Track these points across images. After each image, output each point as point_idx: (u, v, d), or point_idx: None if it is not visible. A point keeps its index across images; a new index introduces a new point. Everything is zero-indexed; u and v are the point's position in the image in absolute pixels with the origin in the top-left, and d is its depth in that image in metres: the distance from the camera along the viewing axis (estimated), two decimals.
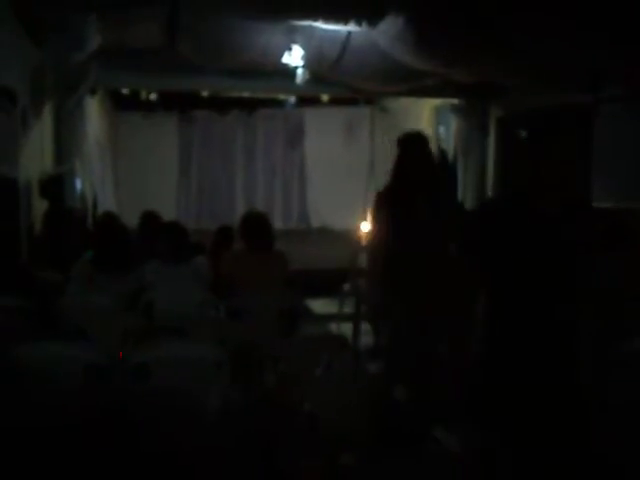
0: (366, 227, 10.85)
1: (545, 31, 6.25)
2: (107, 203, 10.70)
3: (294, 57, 7.74)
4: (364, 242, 10.49)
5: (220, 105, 13.19)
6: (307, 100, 12.17)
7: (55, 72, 7.66)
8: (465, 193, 10.71)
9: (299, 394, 4.21)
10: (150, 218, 6.81)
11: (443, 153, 11.52)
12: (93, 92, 10.07)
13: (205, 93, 11.28)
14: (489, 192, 10.75)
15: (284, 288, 5.45)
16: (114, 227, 5.54)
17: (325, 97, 11.88)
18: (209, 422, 3.65)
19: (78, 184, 8.61)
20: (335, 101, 12.25)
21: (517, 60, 6.81)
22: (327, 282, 8.39)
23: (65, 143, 8.55)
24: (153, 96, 11.53)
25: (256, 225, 5.62)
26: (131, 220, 7.02)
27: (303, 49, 7.69)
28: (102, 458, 3.35)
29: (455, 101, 10.53)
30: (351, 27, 6.64)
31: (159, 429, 3.50)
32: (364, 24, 6.45)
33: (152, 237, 5.98)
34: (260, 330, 4.82)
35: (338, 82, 9.45)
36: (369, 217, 9.19)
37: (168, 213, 11.67)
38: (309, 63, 7.95)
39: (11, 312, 4.40)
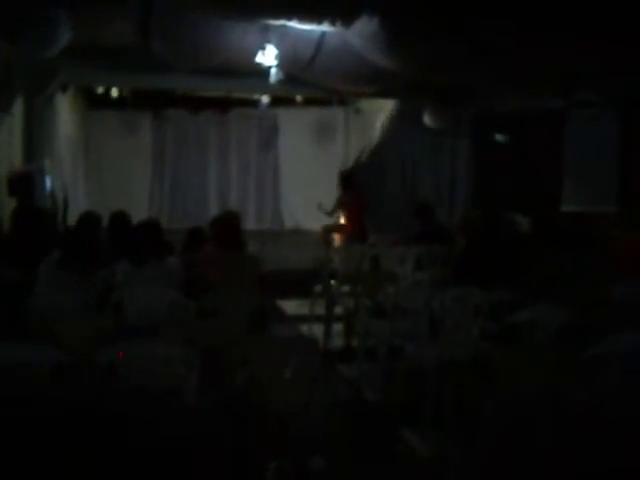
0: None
1: (520, 36, 6.30)
2: (79, 202, 10.59)
3: (268, 57, 7.72)
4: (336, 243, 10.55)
5: (193, 104, 13.12)
6: (281, 100, 12.14)
7: (25, 69, 7.57)
8: (438, 194, 10.75)
9: (269, 395, 4.20)
10: (119, 218, 6.75)
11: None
12: (64, 89, 9.97)
13: (178, 92, 11.21)
14: (462, 193, 10.80)
15: (255, 289, 5.42)
16: (84, 227, 5.49)
17: (299, 97, 11.86)
18: (178, 422, 3.62)
19: (48, 182, 8.51)
20: (309, 102, 12.23)
21: (490, 64, 6.84)
22: (299, 283, 8.37)
23: (35, 141, 8.46)
24: (126, 94, 11.42)
25: (226, 227, 5.59)
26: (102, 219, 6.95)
27: (277, 49, 7.68)
28: (70, 459, 3.31)
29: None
30: (325, 27, 6.64)
31: (128, 429, 3.46)
32: (338, 24, 6.45)
33: (121, 237, 5.92)
34: (230, 331, 4.79)
35: (312, 82, 9.44)
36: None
37: (140, 212, 11.61)
38: (283, 63, 7.93)
39: None
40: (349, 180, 11.04)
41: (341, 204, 10.98)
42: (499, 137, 10.44)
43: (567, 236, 6.39)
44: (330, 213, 11.21)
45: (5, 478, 3.22)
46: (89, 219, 5.99)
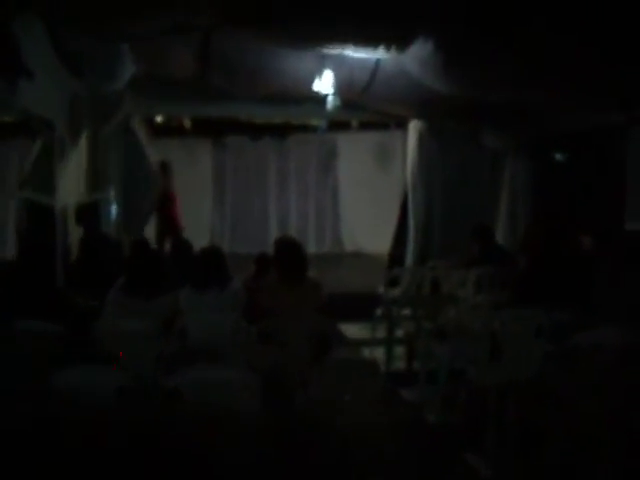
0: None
1: (577, 53, 6.26)
2: (144, 229, 10.82)
3: (324, 84, 7.82)
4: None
5: (252, 131, 13.32)
6: (339, 124, 12.22)
7: (91, 102, 7.82)
8: (497, 215, 10.66)
9: (330, 419, 4.22)
10: (181, 245, 6.91)
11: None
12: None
13: (238, 119, 11.40)
14: (522, 213, 10.68)
15: (317, 315, 5.45)
16: (146, 253, 5.62)
17: (356, 122, 11.94)
18: (240, 444, 3.68)
19: (113, 211, 8.75)
20: (367, 125, 12.30)
21: (549, 82, 6.79)
22: (360, 306, 8.39)
23: (101, 170, 8.69)
24: (187, 123, 11.68)
25: (289, 253, 5.65)
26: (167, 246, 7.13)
27: (333, 76, 7.77)
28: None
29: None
30: (380, 53, 6.70)
31: (191, 452, 3.54)
32: (393, 49, 6.50)
33: (184, 263, 6.05)
34: (292, 355, 4.84)
35: (369, 107, 9.52)
36: None
37: (202, 237, 11.83)
38: (340, 89, 8.02)
39: (48, 337, 4.48)
40: (166, 169, 11.06)
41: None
42: (559, 156, 10.32)
43: (631, 255, 6.29)
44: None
45: None
46: (138, 245, 6.10)
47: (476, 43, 6.26)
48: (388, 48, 6.48)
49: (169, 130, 12.10)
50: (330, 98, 8.13)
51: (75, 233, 7.67)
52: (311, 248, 13.32)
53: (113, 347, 4.48)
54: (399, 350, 7.35)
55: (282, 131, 13.64)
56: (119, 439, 3.44)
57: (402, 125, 11.13)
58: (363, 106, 9.45)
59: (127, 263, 5.71)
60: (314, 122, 11.69)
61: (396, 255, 10.83)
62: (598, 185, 9.48)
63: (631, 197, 9.10)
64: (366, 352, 7.79)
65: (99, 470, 3.36)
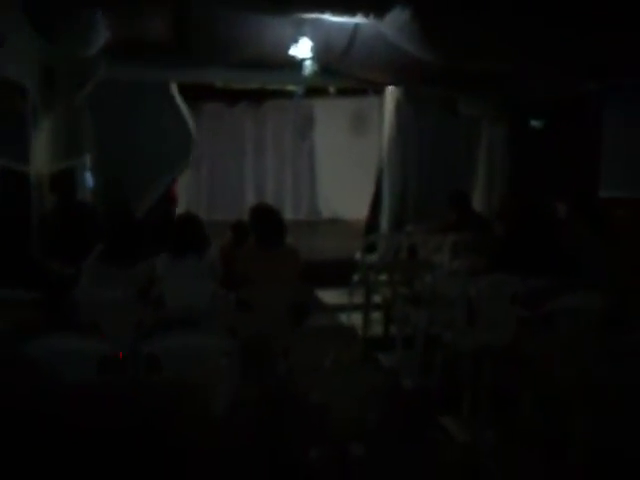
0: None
1: (551, 21, 6.27)
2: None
3: (302, 49, 7.78)
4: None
5: (229, 97, 13.20)
6: (317, 91, 12.13)
7: (65, 68, 7.71)
8: (474, 182, 10.71)
9: (309, 384, 4.26)
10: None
11: None
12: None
13: (214, 85, 11.27)
14: (499, 180, 10.74)
15: (295, 282, 5.46)
16: (125, 221, 5.59)
17: (333, 88, 11.86)
18: (220, 412, 3.70)
19: (89, 178, 8.69)
20: (344, 92, 12.23)
21: (523, 50, 6.80)
22: (337, 272, 8.43)
23: (76, 137, 8.60)
24: None
25: (267, 220, 5.63)
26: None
27: (311, 41, 7.72)
28: (113, 451, 3.39)
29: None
30: (359, 19, 6.66)
31: (170, 420, 3.55)
32: (371, 16, 6.47)
33: (161, 231, 6.02)
34: (270, 322, 4.86)
35: (346, 73, 9.47)
36: None
37: (179, 205, 11.76)
38: (318, 55, 7.97)
39: (24, 305, 4.46)
40: None
41: None
42: (535, 123, 10.36)
43: (605, 222, 6.35)
44: None
45: (48, 466, 3.32)
46: (118, 213, 6.05)
47: (451, 13, 6.26)
48: (367, 14, 6.45)
49: None
50: (307, 63, 8.08)
51: (50, 201, 7.61)
52: (288, 215, 13.29)
53: (90, 315, 4.47)
54: (377, 315, 7.41)
55: (259, 97, 13.53)
56: (98, 409, 3.44)
57: (379, 92, 11.09)
58: (340, 72, 9.40)
59: (106, 230, 5.67)
60: (291, 88, 11.59)
61: (373, 221, 10.87)
62: (574, 152, 9.54)
63: (606, 165, 9.17)
64: (344, 318, 7.85)
65: (75, 439, 3.36)
